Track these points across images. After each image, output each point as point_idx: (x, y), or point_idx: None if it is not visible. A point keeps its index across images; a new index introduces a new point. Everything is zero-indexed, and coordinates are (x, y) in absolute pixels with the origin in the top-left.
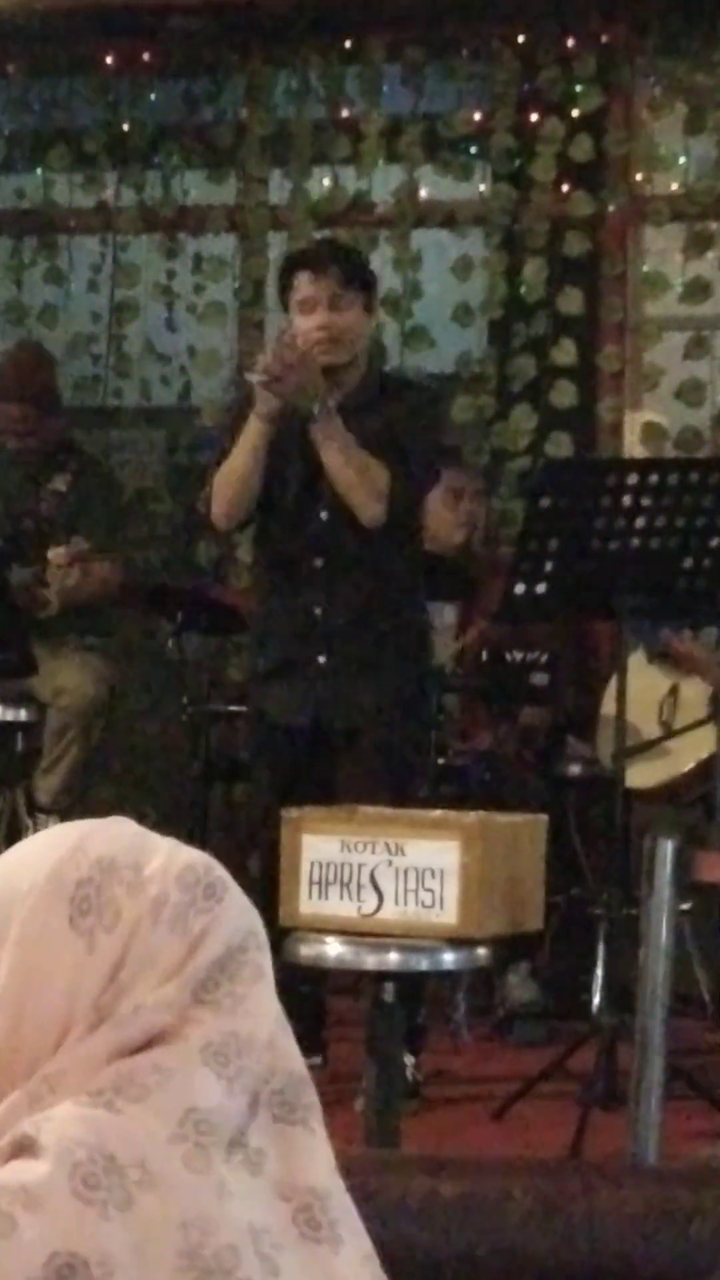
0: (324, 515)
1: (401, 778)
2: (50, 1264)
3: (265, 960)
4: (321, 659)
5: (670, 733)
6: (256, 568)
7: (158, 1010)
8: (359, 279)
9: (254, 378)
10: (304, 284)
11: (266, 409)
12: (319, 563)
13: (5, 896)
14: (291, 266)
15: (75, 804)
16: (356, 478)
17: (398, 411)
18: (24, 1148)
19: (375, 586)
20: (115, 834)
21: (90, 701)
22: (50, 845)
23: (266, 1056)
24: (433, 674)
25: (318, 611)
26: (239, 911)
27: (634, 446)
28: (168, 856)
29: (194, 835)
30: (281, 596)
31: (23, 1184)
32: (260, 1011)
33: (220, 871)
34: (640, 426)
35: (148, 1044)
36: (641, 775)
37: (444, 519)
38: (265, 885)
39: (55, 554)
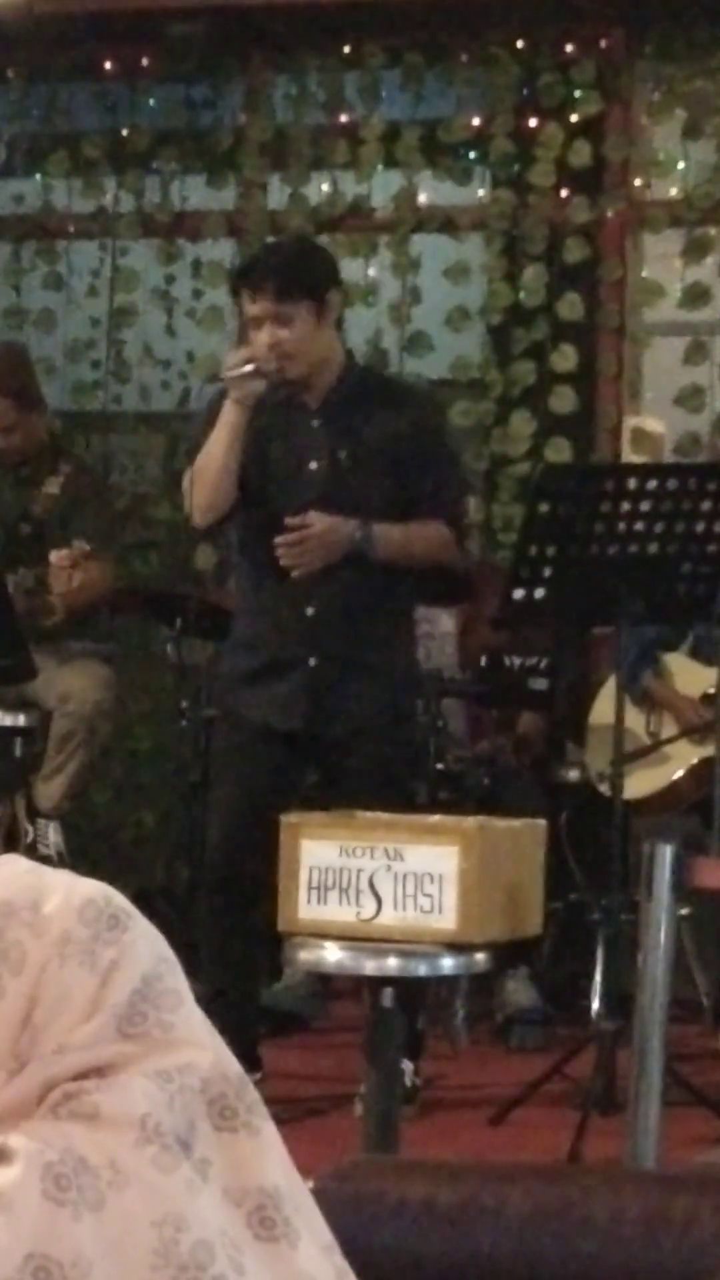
0: (311, 514)
1: (394, 781)
2: (25, 1266)
3: (181, 983)
4: (312, 661)
5: (658, 742)
6: (241, 569)
7: (84, 1049)
8: (300, 288)
9: (232, 372)
10: (246, 302)
11: (243, 394)
12: None
13: None
14: (233, 285)
15: (75, 810)
16: (428, 558)
17: (410, 426)
18: None
19: (365, 587)
20: (7, 876)
21: (96, 707)
22: None
23: (205, 1074)
24: (422, 676)
25: (309, 612)
26: (145, 939)
27: (631, 452)
28: (65, 892)
29: (191, 841)
30: (270, 597)
31: None
32: (191, 1036)
33: (120, 900)
34: (630, 432)
35: (80, 1078)
36: (632, 786)
37: None
38: (259, 889)
39: (57, 556)
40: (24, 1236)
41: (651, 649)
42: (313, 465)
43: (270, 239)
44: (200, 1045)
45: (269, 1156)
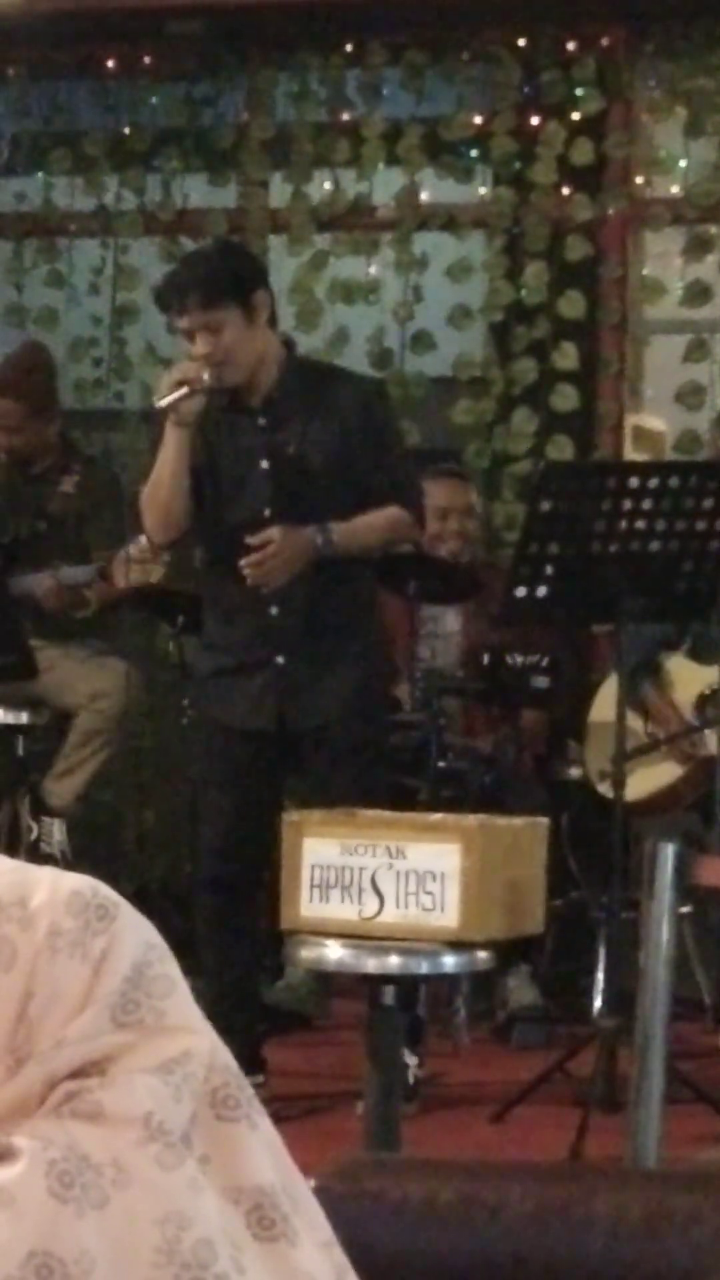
0: (267, 513)
1: (367, 770)
2: (28, 1263)
3: (173, 968)
4: (280, 660)
5: (657, 742)
6: (204, 573)
7: (81, 1042)
8: (225, 294)
9: (167, 399)
10: (174, 317)
11: (180, 415)
12: None
13: None
14: (161, 304)
15: (78, 808)
16: (389, 544)
17: (354, 415)
18: (1, 1156)
19: (330, 584)
20: None
21: (127, 705)
22: None
23: (206, 1061)
24: (386, 670)
25: (274, 611)
26: (134, 927)
27: (632, 450)
28: (51, 886)
29: (193, 839)
30: (234, 600)
31: (1, 1184)
32: (185, 1022)
33: (106, 891)
34: (631, 430)
35: (81, 1074)
36: (630, 787)
37: (428, 535)
38: (254, 890)
39: (137, 548)
40: (26, 1233)
41: (654, 654)
42: (263, 464)
43: (190, 249)
44: (196, 1031)
45: (265, 1153)
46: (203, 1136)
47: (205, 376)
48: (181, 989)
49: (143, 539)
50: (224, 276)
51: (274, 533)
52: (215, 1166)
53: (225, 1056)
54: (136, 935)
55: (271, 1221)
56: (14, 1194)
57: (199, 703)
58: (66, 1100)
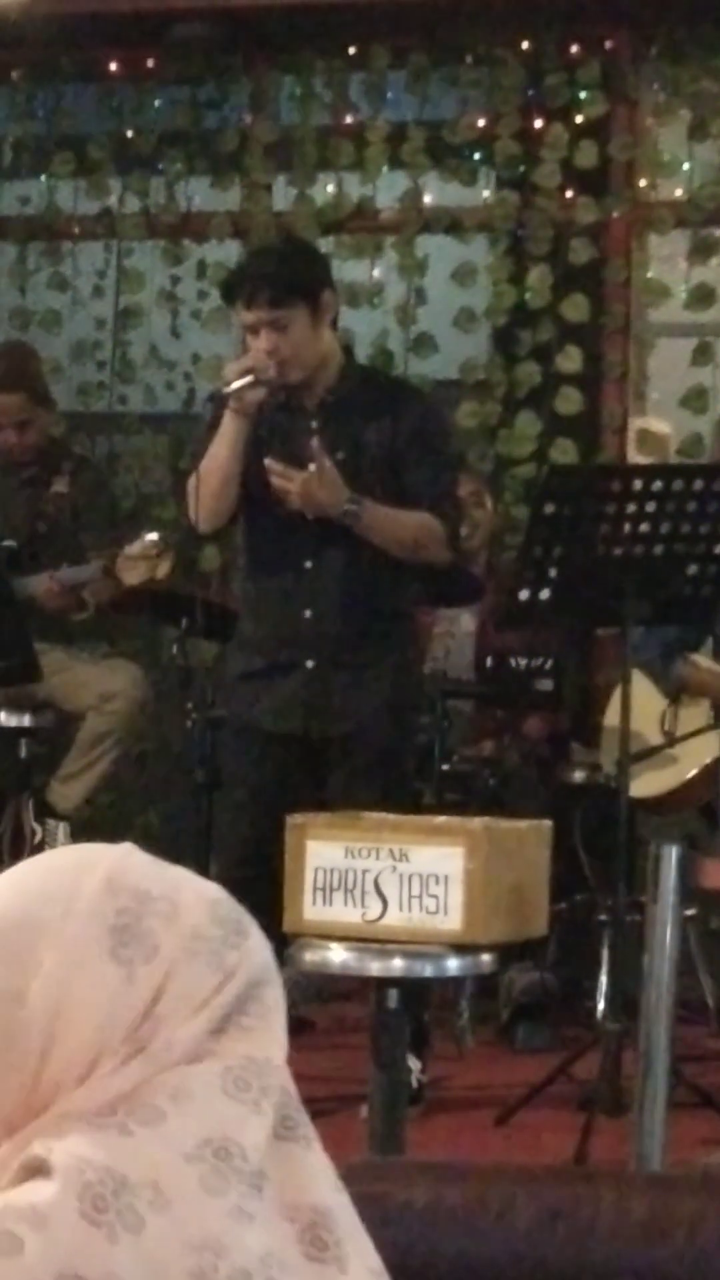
0: (311, 516)
1: (394, 782)
2: None
3: (279, 992)
4: (310, 663)
5: (673, 740)
6: (243, 571)
7: (183, 1044)
8: (295, 293)
9: (234, 385)
10: (242, 310)
11: (242, 404)
12: (308, 565)
13: (28, 924)
14: (228, 295)
15: (87, 811)
16: (416, 544)
17: (408, 424)
18: (36, 1170)
19: (364, 589)
20: (140, 863)
21: (139, 706)
22: (72, 873)
23: (280, 1076)
24: (422, 676)
25: (307, 615)
26: (261, 947)
27: (636, 453)
28: (195, 889)
29: (198, 843)
30: (269, 600)
31: (31, 1204)
32: (273, 1038)
33: (239, 906)
34: (635, 433)
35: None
36: (645, 785)
37: None
38: (262, 897)
39: (144, 545)
40: (56, 1255)
41: (675, 644)
42: (311, 467)
43: (258, 244)
44: (279, 1051)
45: (323, 1174)
46: (264, 1153)
47: (271, 370)
48: (280, 1014)
49: (147, 537)
50: (295, 275)
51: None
52: (273, 1183)
53: (288, 1081)
54: (263, 955)
55: (325, 1244)
56: (46, 1215)
57: (227, 703)
58: (134, 1099)
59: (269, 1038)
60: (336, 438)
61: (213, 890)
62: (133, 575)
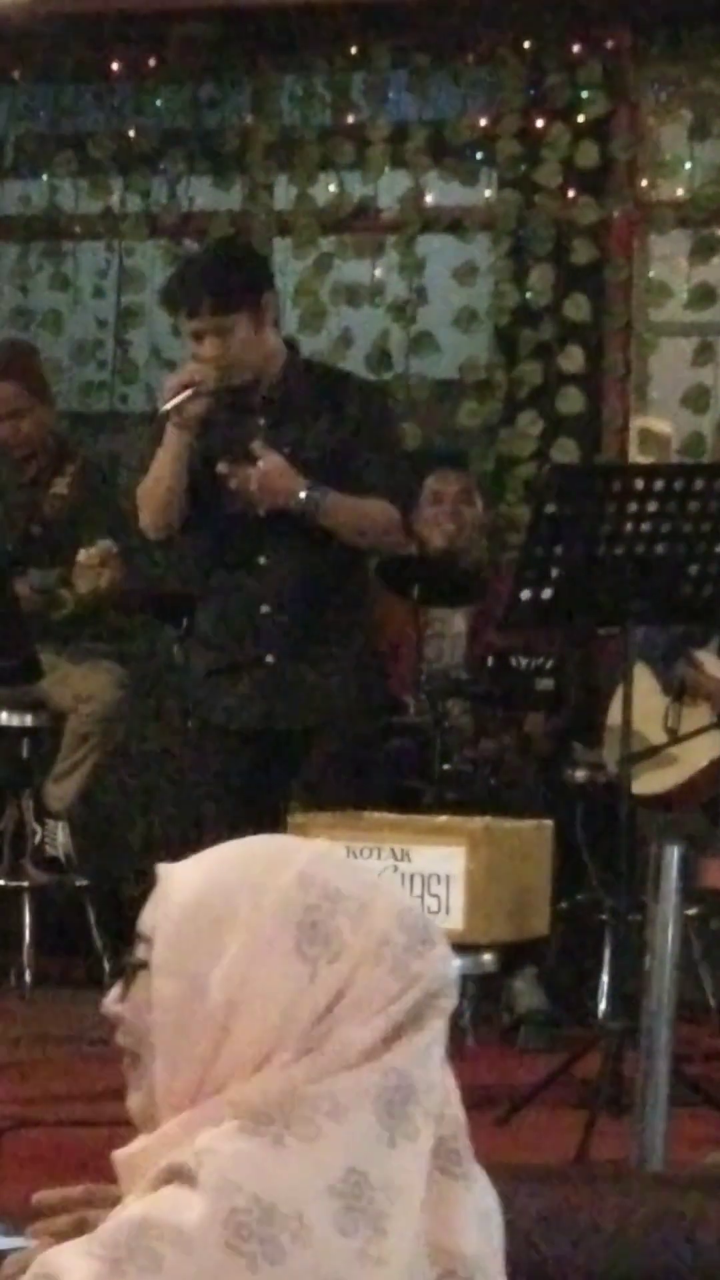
0: (262, 511)
1: (367, 770)
2: None
3: (451, 1005)
4: (269, 658)
5: (676, 738)
6: (195, 569)
7: (356, 1048)
8: (236, 299)
9: (172, 402)
10: (183, 319)
11: (184, 418)
12: (263, 560)
13: (217, 910)
14: (169, 304)
15: (82, 811)
16: (373, 533)
17: (352, 415)
18: (179, 1175)
19: (319, 581)
20: (336, 861)
21: (114, 707)
22: (267, 864)
23: (439, 1100)
24: (378, 664)
25: (264, 610)
26: (444, 959)
27: (638, 453)
28: (388, 894)
29: (199, 843)
30: (225, 596)
31: (178, 1225)
32: (437, 1058)
33: (428, 916)
34: (637, 433)
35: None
36: (648, 782)
37: (424, 522)
38: None
39: (86, 555)
40: (194, 1278)
41: (680, 640)
42: (260, 463)
43: (194, 249)
44: (445, 1073)
45: (475, 1218)
46: (409, 1189)
47: (210, 380)
48: (445, 1028)
49: (94, 547)
50: (237, 282)
51: (260, 450)
52: (424, 1218)
53: (457, 1108)
54: (445, 967)
55: None
56: (192, 1239)
57: (194, 703)
58: (295, 1109)
59: (437, 1054)
60: (283, 433)
61: (405, 897)
62: (84, 583)
